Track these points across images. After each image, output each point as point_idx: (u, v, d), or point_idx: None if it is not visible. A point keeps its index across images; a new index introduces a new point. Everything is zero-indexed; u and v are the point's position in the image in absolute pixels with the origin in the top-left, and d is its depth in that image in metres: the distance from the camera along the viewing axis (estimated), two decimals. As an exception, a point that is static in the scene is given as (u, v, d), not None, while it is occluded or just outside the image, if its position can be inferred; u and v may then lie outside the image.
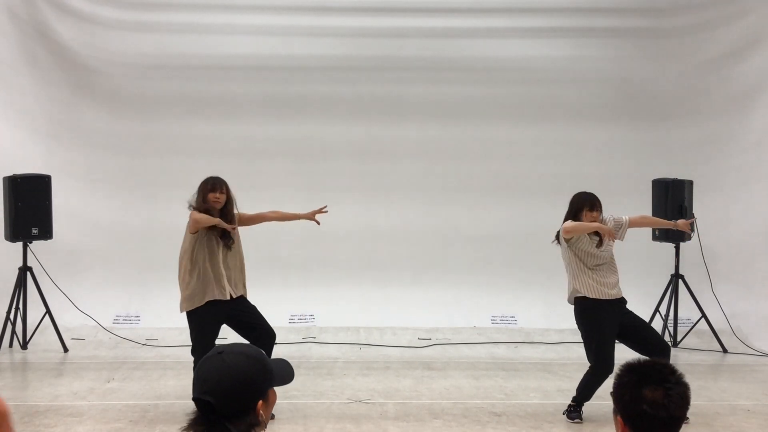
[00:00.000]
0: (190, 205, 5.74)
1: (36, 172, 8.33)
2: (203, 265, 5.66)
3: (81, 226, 9.35)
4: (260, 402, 2.02)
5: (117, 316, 9.11)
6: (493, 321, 9.30)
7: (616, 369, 2.18)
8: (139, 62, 9.63)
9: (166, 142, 9.61)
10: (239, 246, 5.88)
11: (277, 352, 5.76)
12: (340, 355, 8.17)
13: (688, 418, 2.03)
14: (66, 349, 8.19)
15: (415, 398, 6.42)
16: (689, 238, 8.26)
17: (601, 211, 5.76)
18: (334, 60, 9.82)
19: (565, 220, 5.77)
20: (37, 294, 8.20)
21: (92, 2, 9.53)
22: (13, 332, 8.22)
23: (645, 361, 2.08)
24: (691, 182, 8.56)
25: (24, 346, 8.23)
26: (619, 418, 2.04)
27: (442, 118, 9.85)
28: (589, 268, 5.70)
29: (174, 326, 8.12)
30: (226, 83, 9.74)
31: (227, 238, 5.75)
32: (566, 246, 5.77)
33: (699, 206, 8.57)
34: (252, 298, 5.97)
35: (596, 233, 5.70)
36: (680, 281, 8.64)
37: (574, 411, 5.76)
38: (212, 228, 5.69)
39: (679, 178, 8.54)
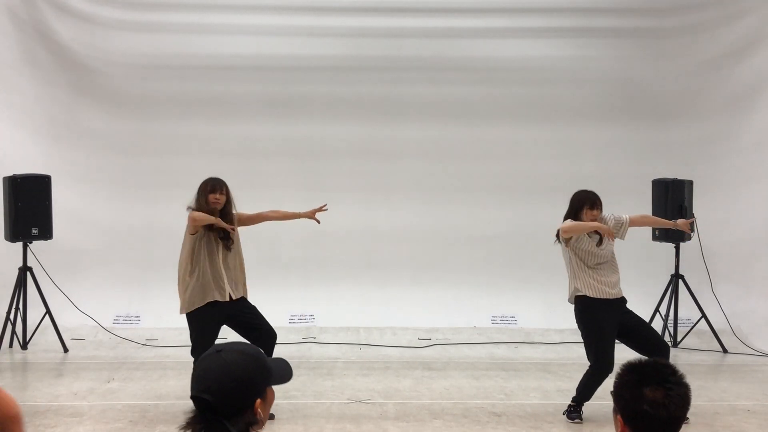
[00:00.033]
0: (189, 208, 5.74)
1: (36, 172, 8.33)
2: (203, 266, 5.67)
3: (81, 226, 9.35)
4: (258, 400, 2.02)
5: (117, 316, 9.11)
6: (493, 321, 9.30)
7: (616, 368, 2.18)
8: (139, 62, 9.63)
9: (166, 142, 9.61)
10: (239, 246, 5.89)
11: (277, 352, 5.76)
12: (340, 355, 8.17)
13: (688, 418, 2.03)
14: (66, 349, 8.19)
15: (415, 398, 6.42)
16: (689, 238, 8.26)
17: (601, 209, 5.75)
18: (334, 60, 9.82)
19: (566, 218, 5.76)
20: (37, 294, 8.21)
21: (92, 2, 9.53)
22: (13, 332, 8.22)
23: (646, 361, 2.08)
24: (691, 182, 8.56)
25: (24, 346, 8.23)
26: (619, 417, 2.04)
27: (442, 118, 9.85)
28: (590, 267, 5.70)
29: (174, 326, 8.11)
30: (226, 83, 9.74)
31: (227, 239, 5.75)
32: (566, 245, 5.77)
33: (699, 206, 8.57)
34: (252, 298, 5.97)
35: (596, 232, 5.70)
36: (680, 281, 8.64)
37: (574, 411, 5.76)
38: (211, 229, 5.69)
39: (679, 178, 8.54)
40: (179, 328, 7.19)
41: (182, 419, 2.03)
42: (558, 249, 5.95)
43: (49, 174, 8.37)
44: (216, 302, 5.67)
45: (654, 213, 8.26)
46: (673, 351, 8.38)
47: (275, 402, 6.31)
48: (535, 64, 9.89)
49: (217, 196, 5.72)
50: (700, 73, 9.75)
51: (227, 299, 5.71)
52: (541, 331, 9.02)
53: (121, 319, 9.09)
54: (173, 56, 9.71)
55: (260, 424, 2.03)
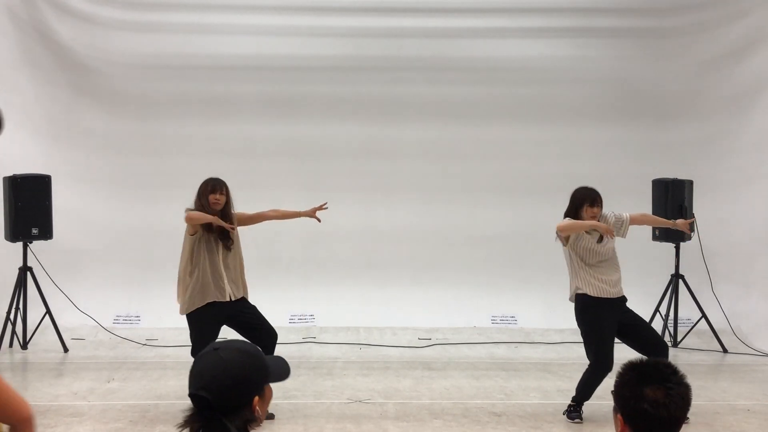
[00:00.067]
0: (188, 210, 5.74)
1: (36, 172, 8.33)
2: (202, 266, 5.67)
3: (81, 226, 9.35)
4: (256, 398, 2.03)
5: (117, 316, 9.11)
6: (493, 321, 9.30)
7: (616, 368, 2.18)
8: (139, 62, 9.63)
9: (166, 142, 9.61)
10: (239, 246, 5.88)
11: (277, 352, 5.75)
12: (340, 355, 8.17)
13: (688, 418, 2.03)
14: (66, 349, 8.19)
15: (415, 398, 6.42)
16: (689, 238, 8.26)
17: (601, 206, 5.74)
18: (334, 60, 9.82)
19: (566, 214, 5.76)
20: (37, 294, 8.20)
21: (92, 2, 9.53)
22: (13, 332, 8.22)
23: (647, 360, 2.08)
24: (691, 182, 8.56)
25: (24, 346, 8.23)
26: (619, 416, 2.04)
27: (442, 118, 9.86)
28: (591, 266, 5.68)
29: (174, 326, 8.11)
30: (226, 83, 9.74)
31: (226, 239, 5.75)
32: (565, 244, 5.78)
33: (699, 206, 8.57)
34: (252, 298, 5.97)
35: (591, 216, 5.68)
36: (680, 281, 8.64)
37: (574, 411, 5.76)
38: (211, 229, 5.69)
39: (679, 178, 8.54)
40: (179, 328, 7.19)
41: (181, 418, 2.04)
42: (558, 248, 5.95)
43: (49, 174, 8.37)
44: (216, 302, 5.67)
45: (654, 213, 8.25)
46: (673, 351, 8.39)
47: (275, 402, 6.29)
48: (535, 64, 9.89)
49: (218, 196, 5.72)
50: (700, 73, 9.75)
51: (227, 299, 5.71)
52: (541, 331, 9.02)
53: (121, 319, 9.09)
54: (173, 56, 9.71)
55: (258, 421, 2.04)
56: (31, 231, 8.16)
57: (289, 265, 9.58)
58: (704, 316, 8.59)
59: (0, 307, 8.28)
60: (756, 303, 9.08)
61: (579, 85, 9.89)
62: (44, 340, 8.34)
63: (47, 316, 8.22)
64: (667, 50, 9.85)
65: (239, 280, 5.85)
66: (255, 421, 2.03)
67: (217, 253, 5.71)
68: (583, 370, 5.82)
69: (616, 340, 5.79)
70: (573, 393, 5.82)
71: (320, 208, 6.13)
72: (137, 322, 9.08)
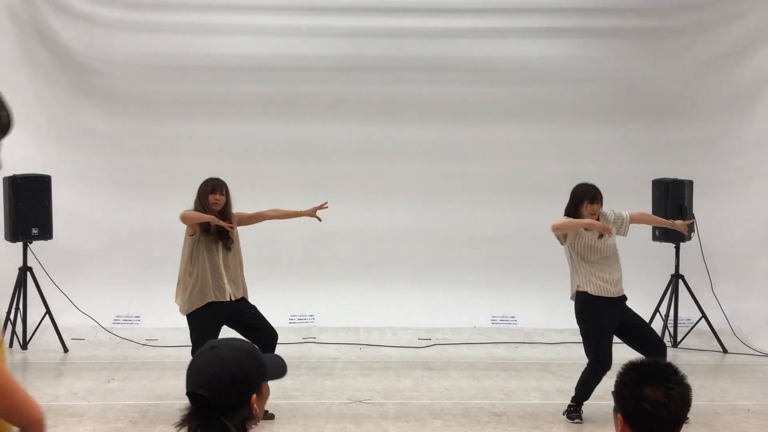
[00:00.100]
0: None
1: (36, 172, 8.33)
2: (202, 266, 5.66)
3: (81, 226, 9.35)
4: (254, 396, 2.03)
5: (117, 316, 9.11)
6: (493, 321, 9.30)
7: (615, 367, 2.18)
8: (139, 62, 9.63)
9: (166, 142, 9.61)
10: (238, 246, 5.88)
11: (277, 352, 5.74)
12: (340, 355, 8.17)
13: (688, 418, 2.03)
14: (66, 349, 8.19)
15: (415, 398, 6.41)
16: (689, 238, 8.26)
17: (602, 203, 5.74)
18: (334, 60, 9.82)
19: (566, 210, 5.76)
20: (37, 294, 8.21)
21: (92, 2, 9.53)
22: (13, 332, 8.22)
23: (648, 360, 2.08)
24: (691, 182, 8.56)
25: (24, 346, 8.23)
26: (619, 416, 2.04)
27: (442, 118, 9.86)
28: (592, 263, 5.66)
29: (174, 326, 8.11)
30: (226, 83, 9.74)
31: (226, 239, 5.74)
32: (564, 242, 5.78)
33: (699, 206, 8.57)
34: (252, 298, 5.97)
35: (591, 213, 5.67)
36: (680, 281, 8.64)
37: (574, 411, 5.75)
38: (209, 229, 5.68)
39: (679, 178, 8.54)
40: (179, 328, 7.20)
41: (179, 418, 2.04)
42: (558, 248, 5.95)
43: (49, 174, 8.37)
44: (216, 302, 5.67)
45: (654, 213, 8.24)
46: (673, 351, 8.40)
47: (275, 402, 6.30)
48: (535, 64, 9.89)
49: (217, 196, 5.72)
50: (700, 73, 9.75)
51: (228, 299, 5.71)
52: (541, 331, 9.02)
53: (121, 319, 9.09)
54: (173, 56, 9.71)
55: (256, 419, 2.04)
56: (31, 231, 8.16)
57: (289, 265, 9.58)
58: (704, 316, 8.59)
59: (0, 307, 8.27)
60: (756, 303, 9.08)
61: (579, 85, 9.89)
62: (44, 340, 8.34)
63: (47, 316, 8.22)
64: (667, 50, 9.85)
65: (239, 281, 5.84)
66: (253, 419, 2.03)
67: (217, 253, 5.71)
68: (583, 370, 5.82)
69: (616, 339, 5.80)
70: (573, 393, 5.82)
71: (321, 207, 6.13)
72: (137, 322, 9.08)
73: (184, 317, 5.79)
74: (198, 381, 2.00)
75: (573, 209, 5.72)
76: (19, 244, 8.27)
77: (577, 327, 5.87)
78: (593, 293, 5.65)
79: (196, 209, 5.74)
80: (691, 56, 9.78)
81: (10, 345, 8.22)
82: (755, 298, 9.12)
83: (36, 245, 8.30)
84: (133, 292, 9.27)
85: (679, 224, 6.39)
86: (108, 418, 5.75)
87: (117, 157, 9.58)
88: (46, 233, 8.26)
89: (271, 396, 6.34)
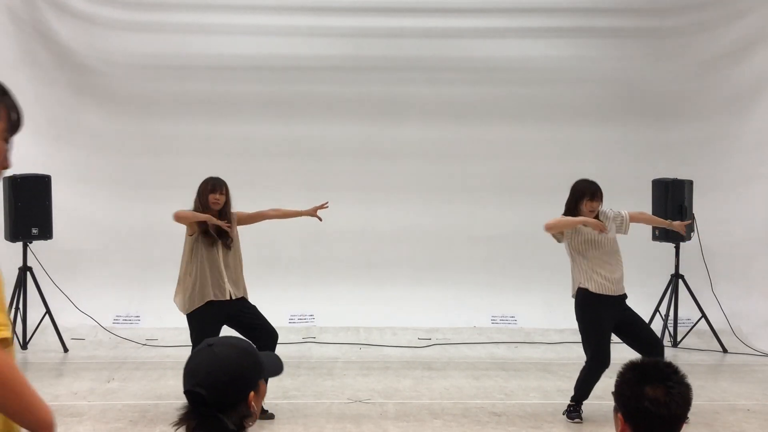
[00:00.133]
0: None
1: (36, 172, 8.33)
2: (202, 266, 5.66)
3: (81, 226, 9.35)
4: (252, 393, 2.03)
5: (117, 316, 9.11)
6: (493, 321, 9.30)
7: (615, 367, 2.18)
8: (139, 62, 9.63)
9: (165, 142, 9.61)
10: (238, 246, 5.88)
11: (278, 352, 5.75)
12: (340, 355, 8.17)
13: (688, 418, 2.03)
14: (66, 349, 8.19)
15: (415, 398, 6.42)
16: (689, 238, 8.27)
17: (601, 200, 5.74)
18: (334, 60, 9.81)
19: (566, 206, 5.77)
20: (37, 294, 8.20)
21: (92, 2, 9.53)
22: (13, 332, 8.19)
23: (648, 360, 2.09)
24: (691, 182, 8.56)
25: (24, 346, 8.23)
26: (619, 415, 2.05)
27: (442, 118, 9.85)
28: (593, 260, 5.66)
29: (174, 326, 8.11)
30: (226, 83, 9.74)
31: (225, 237, 5.74)
32: (561, 240, 5.80)
33: (699, 206, 8.57)
34: (252, 298, 5.97)
35: (590, 210, 5.67)
36: (680, 281, 8.63)
37: (573, 411, 5.75)
38: (207, 228, 5.67)
39: (679, 178, 8.54)
40: (179, 328, 7.19)
41: (176, 417, 2.04)
42: (558, 248, 5.96)
43: (49, 174, 8.36)
44: (216, 302, 5.66)
45: (654, 213, 8.25)
46: (673, 351, 8.41)
47: (276, 402, 6.29)
48: (535, 64, 9.89)
49: (217, 196, 5.72)
50: (700, 73, 9.75)
51: (228, 298, 5.70)
52: (541, 331, 9.02)
53: (121, 319, 9.09)
54: (173, 56, 9.71)
55: (254, 417, 2.04)
56: (31, 231, 8.16)
57: (289, 265, 9.58)
58: (704, 316, 8.59)
59: None
60: (756, 303, 9.08)
61: (579, 85, 9.88)
62: (44, 340, 8.33)
63: (47, 316, 8.22)
64: (667, 50, 9.85)
65: (239, 280, 5.84)
66: (251, 416, 2.03)
67: (217, 252, 5.71)
68: (581, 368, 5.82)
69: (616, 339, 5.80)
70: (572, 393, 5.82)
71: (321, 207, 6.13)
72: (137, 322, 9.08)
73: (184, 317, 5.79)
74: (195, 379, 1.99)
75: (573, 205, 5.73)
76: (19, 244, 8.27)
77: (576, 327, 5.88)
78: (594, 291, 5.65)
79: (195, 208, 5.74)
80: (691, 56, 9.77)
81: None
82: (755, 298, 9.12)
83: (36, 245, 8.30)
84: (133, 292, 9.27)
85: (677, 225, 6.42)
86: (108, 418, 5.75)
87: (117, 157, 9.58)
88: (46, 233, 8.26)
89: (271, 396, 6.35)
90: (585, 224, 5.60)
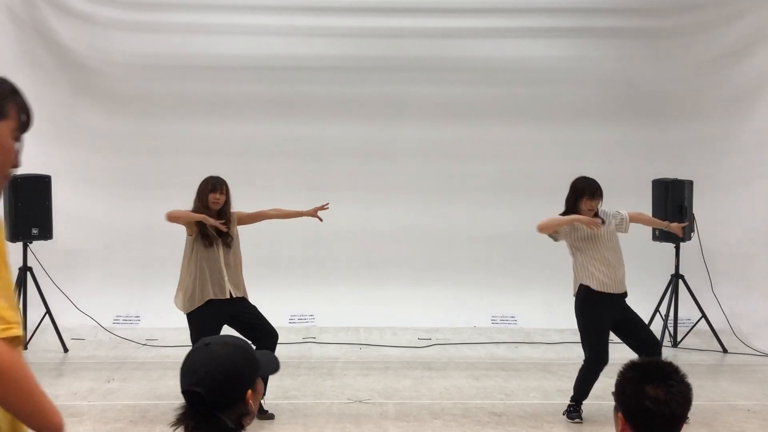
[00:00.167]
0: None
1: (36, 172, 8.32)
2: (201, 265, 5.66)
3: (81, 226, 9.35)
4: (249, 391, 2.03)
5: (117, 316, 9.11)
6: (493, 321, 9.30)
7: (615, 367, 2.18)
8: (139, 62, 9.63)
9: (165, 142, 9.61)
10: (238, 246, 5.88)
11: (277, 352, 5.76)
12: (340, 355, 8.17)
13: (688, 418, 2.03)
14: (66, 349, 8.19)
15: (415, 398, 6.42)
16: (689, 238, 8.27)
17: (601, 198, 5.74)
18: (334, 60, 9.81)
19: (566, 204, 5.77)
20: (37, 294, 8.20)
21: (92, 2, 9.53)
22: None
23: (649, 359, 2.10)
24: (691, 182, 8.56)
25: (24, 346, 8.23)
26: (620, 414, 2.05)
27: (442, 118, 9.86)
28: (594, 256, 5.65)
29: (174, 326, 8.11)
30: (226, 83, 9.74)
31: (225, 236, 5.74)
32: (556, 240, 5.80)
33: (699, 206, 8.57)
34: (252, 298, 5.97)
35: (589, 208, 5.67)
36: (680, 281, 8.63)
37: (573, 411, 5.75)
38: (205, 227, 5.67)
39: (679, 178, 8.54)
40: (179, 328, 7.19)
41: (174, 417, 2.04)
42: (557, 248, 5.96)
43: (49, 174, 8.36)
44: (216, 301, 5.65)
45: (654, 213, 8.26)
46: (673, 351, 8.41)
47: (276, 402, 6.27)
48: (535, 64, 9.89)
49: (217, 195, 5.72)
50: (700, 73, 9.75)
51: (227, 296, 5.69)
52: (541, 331, 9.02)
53: (121, 319, 9.09)
54: (173, 56, 9.71)
55: (252, 415, 2.05)
56: (31, 231, 8.15)
57: (289, 265, 9.58)
58: (704, 316, 8.59)
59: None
60: (756, 303, 9.08)
61: (579, 85, 9.89)
62: (44, 340, 8.33)
63: (47, 316, 8.22)
64: (667, 50, 9.85)
65: (239, 280, 5.84)
66: (249, 414, 2.03)
67: (217, 250, 5.70)
68: (580, 367, 5.82)
69: (617, 339, 5.80)
70: (572, 393, 5.82)
71: (322, 208, 6.13)
72: (137, 322, 9.08)
73: (185, 317, 5.79)
74: (193, 378, 1.99)
75: (572, 203, 5.74)
76: (19, 244, 8.27)
77: (576, 327, 5.87)
78: (595, 288, 5.64)
79: (195, 208, 5.74)
80: (691, 56, 9.77)
81: (10, 345, 8.22)
82: (755, 298, 9.12)
83: (36, 245, 8.30)
84: (133, 292, 9.27)
85: (674, 227, 6.46)
86: (108, 418, 5.75)
87: (117, 157, 9.57)
88: (46, 233, 8.26)
89: (271, 396, 6.35)
90: (576, 222, 5.61)
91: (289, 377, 6.96)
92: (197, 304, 5.65)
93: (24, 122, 1.93)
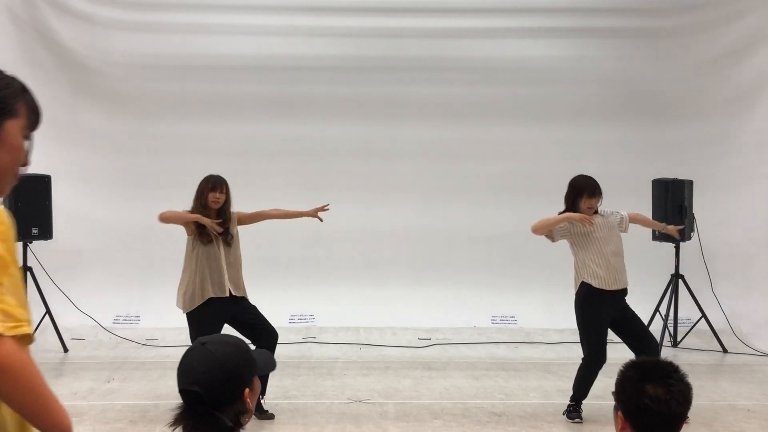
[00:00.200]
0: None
1: (36, 172, 8.32)
2: (201, 264, 5.65)
3: (81, 226, 9.35)
4: (246, 390, 2.03)
5: (117, 316, 9.11)
6: (493, 321, 9.30)
7: (616, 367, 2.18)
8: (139, 62, 9.63)
9: (165, 142, 9.61)
10: (238, 246, 5.87)
11: (277, 352, 5.75)
12: (340, 355, 8.17)
13: (688, 418, 2.03)
14: (66, 349, 8.19)
15: (415, 398, 6.41)
16: (689, 238, 8.28)
17: (600, 197, 5.74)
18: (334, 60, 9.82)
19: (565, 202, 5.77)
20: (37, 294, 8.19)
21: (92, 2, 9.54)
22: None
23: (648, 359, 2.10)
24: (691, 182, 8.56)
25: (25, 345, 8.22)
26: (620, 413, 2.05)
27: (442, 118, 9.86)
28: (595, 252, 5.65)
29: (174, 326, 8.10)
30: (226, 83, 9.74)
31: (225, 234, 5.73)
32: (554, 241, 5.81)
33: (699, 206, 8.57)
34: (252, 298, 5.96)
35: (589, 207, 5.67)
36: (680, 281, 8.63)
37: (573, 411, 5.75)
38: (203, 227, 5.67)
39: (679, 178, 8.54)
40: (179, 328, 7.18)
41: (171, 417, 2.04)
42: (557, 248, 5.96)
43: (49, 174, 8.36)
44: (216, 299, 5.64)
45: (654, 213, 8.28)
46: (673, 351, 8.41)
47: (276, 402, 6.26)
48: (535, 64, 9.89)
49: (217, 195, 5.71)
50: (700, 73, 9.75)
51: (227, 295, 5.68)
52: (541, 331, 9.02)
53: (121, 319, 9.09)
54: (173, 56, 9.71)
55: (249, 413, 2.04)
56: (31, 231, 8.16)
57: (289, 265, 9.58)
58: (704, 316, 8.59)
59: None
60: (756, 303, 9.08)
61: (579, 85, 9.89)
62: (44, 340, 8.32)
63: (47, 316, 8.22)
64: (667, 50, 9.85)
65: (239, 280, 5.83)
66: (246, 413, 2.03)
67: (218, 249, 5.70)
68: (579, 366, 5.82)
69: (617, 339, 5.80)
70: (572, 393, 5.82)
71: (322, 209, 6.12)
72: (137, 322, 9.08)
73: (185, 317, 5.78)
74: (190, 378, 1.99)
75: (571, 201, 5.74)
76: (19, 244, 8.27)
77: (576, 326, 5.87)
78: (596, 286, 5.64)
79: (195, 207, 5.73)
80: (691, 56, 9.78)
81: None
82: (755, 298, 9.12)
83: (36, 245, 8.30)
84: (133, 292, 9.27)
85: (671, 229, 6.49)
86: (108, 418, 5.75)
87: (117, 157, 9.58)
88: (46, 233, 8.26)
89: (271, 396, 6.35)
90: (569, 220, 5.61)
91: (289, 377, 6.96)
92: (197, 302, 5.64)
93: (33, 122, 1.94)
